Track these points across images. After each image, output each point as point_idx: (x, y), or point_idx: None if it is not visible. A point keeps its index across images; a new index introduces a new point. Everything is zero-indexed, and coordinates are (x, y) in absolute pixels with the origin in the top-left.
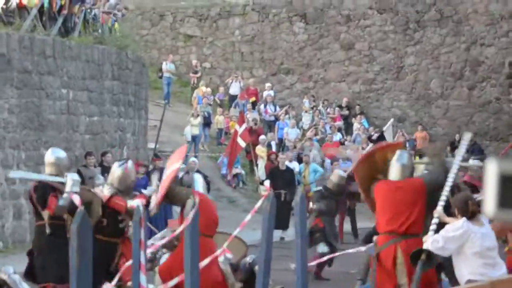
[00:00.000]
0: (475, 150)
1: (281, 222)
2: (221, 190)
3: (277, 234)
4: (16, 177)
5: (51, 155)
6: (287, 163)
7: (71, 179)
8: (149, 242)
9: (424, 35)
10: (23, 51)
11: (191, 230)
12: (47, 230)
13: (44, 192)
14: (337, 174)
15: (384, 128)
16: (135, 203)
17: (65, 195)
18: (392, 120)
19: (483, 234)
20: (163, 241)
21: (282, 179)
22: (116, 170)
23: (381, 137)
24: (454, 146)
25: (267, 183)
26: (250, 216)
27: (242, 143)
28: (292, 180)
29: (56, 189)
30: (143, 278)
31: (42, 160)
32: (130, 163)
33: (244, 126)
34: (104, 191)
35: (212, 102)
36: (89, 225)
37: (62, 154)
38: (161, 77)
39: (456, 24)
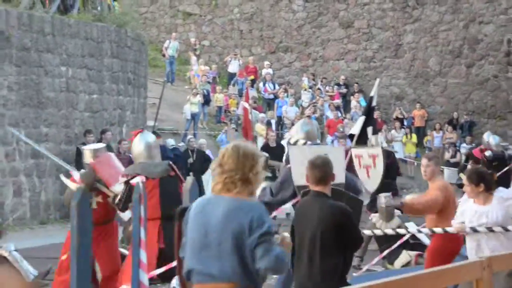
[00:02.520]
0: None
1: None
2: None
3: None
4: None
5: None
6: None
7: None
8: None
9: (423, 13)
10: (22, 28)
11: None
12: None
13: None
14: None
15: (372, 93)
16: (135, 180)
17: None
18: (378, 80)
19: None
20: None
21: (272, 156)
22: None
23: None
24: (452, 123)
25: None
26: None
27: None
28: (282, 157)
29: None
30: (143, 254)
31: (41, 138)
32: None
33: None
34: None
35: (211, 80)
36: (89, 204)
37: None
38: (164, 55)
39: (455, 2)
